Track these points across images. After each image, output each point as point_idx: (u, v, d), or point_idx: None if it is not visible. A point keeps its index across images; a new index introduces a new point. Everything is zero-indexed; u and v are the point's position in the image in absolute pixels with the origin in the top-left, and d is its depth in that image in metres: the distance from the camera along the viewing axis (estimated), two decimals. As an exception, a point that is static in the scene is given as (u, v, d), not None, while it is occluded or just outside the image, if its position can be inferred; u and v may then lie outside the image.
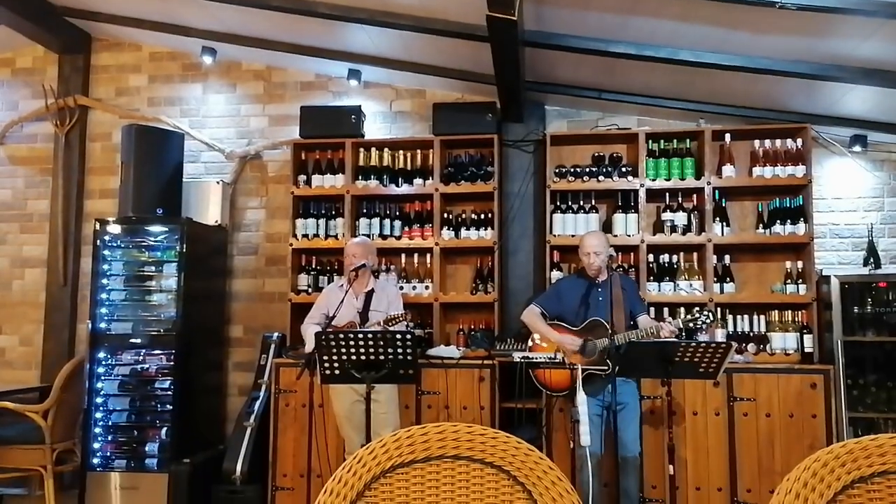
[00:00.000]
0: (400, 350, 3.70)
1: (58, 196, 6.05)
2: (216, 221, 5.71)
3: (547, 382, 4.48)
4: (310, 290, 5.50)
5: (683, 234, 5.19)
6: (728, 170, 5.20)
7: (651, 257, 5.26)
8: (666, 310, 5.11)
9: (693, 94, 5.22)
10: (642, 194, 5.23)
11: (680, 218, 5.21)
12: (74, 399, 5.30)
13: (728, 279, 5.17)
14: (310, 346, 4.28)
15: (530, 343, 4.63)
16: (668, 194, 5.27)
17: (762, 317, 5.11)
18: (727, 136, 5.22)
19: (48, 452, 5.13)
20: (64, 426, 5.29)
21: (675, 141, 5.31)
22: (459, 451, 1.37)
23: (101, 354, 5.22)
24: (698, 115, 5.36)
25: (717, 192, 5.19)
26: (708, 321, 4.10)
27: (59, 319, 5.99)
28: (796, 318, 5.01)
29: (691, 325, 4.14)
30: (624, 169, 5.29)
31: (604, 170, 5.30)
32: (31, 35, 5.85)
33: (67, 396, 5.25)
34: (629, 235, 5.21)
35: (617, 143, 5.49)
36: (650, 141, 5.31)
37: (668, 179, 5.24)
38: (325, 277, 5.58)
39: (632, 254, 5.25)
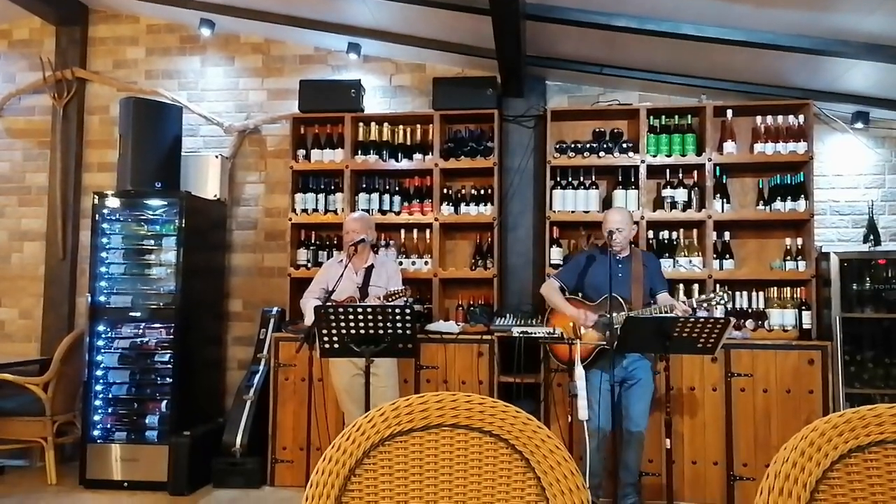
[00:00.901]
0: (399, 324, 3.71)
1: (56, 169, 6.02)
2: (215, 196, 5.69)
3: (561, 355, 4.45)
4: (309, 264, 5.50)
5: (684, 210, 5.18)
6: (729, 146, 5.18)
7: (651, 234, 5.25)
8: (681, 287, 5.09)
9: (695, 69, 5.18)
10: (643, 170, 5.21)
11: (680, 194, 5.20)
12: (74, 372, 5.32)
13: (728, 256, 5.17)
14: (309, 319, 4.29)
15: (548, 313, 4.61)
16: (668, 170, 5.25)
17: (761, 293, 5.12)
18: (729, 112, 5.19)
19: (48, 424, 5.16)
20: (64, 398, 5.32)
21: (676, 117, 5.28)
22: (458, 420, 1.37)
23: (101, 328, 5.22)
24: (700, 90, 5.33)
25: (717, 168, 5.17)
26: (722, 302, 4.09)
27: (59, 293, 5.99)
28: (795, 295, 5.02)
29: (705, 305, 4.12)
30: (625, 145, 5.27)
31: (604, 145, 5.28)
32: (27, 6, 5.80)
33: (67, 369, 5.28)
34: (630, 211, 5.18)
35: (618, 119, 5.46)
36: (651, 117, 5.28)
37: (668, 155, 5.22)
38: (325, 252, 5.58)
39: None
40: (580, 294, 4.53)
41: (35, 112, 6.20)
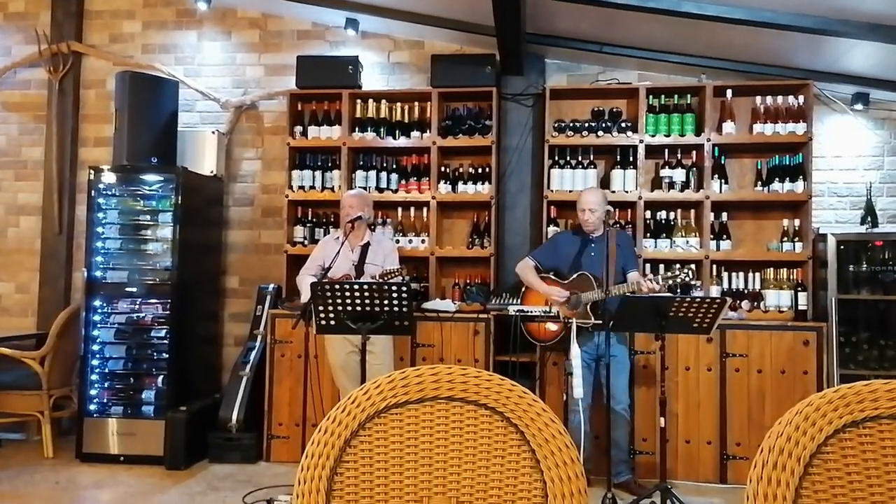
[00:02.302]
0: (395, 301, 3.71)
1: (52, 143, 5.99)
2: (212, 172, 5.67)
3: (535, 334, 4.59)
4: (305, 241, 5.49)
5: (682, 190, 5.17)
6: (728, 126, 5.16)
7: (648, 214, 5.25)
8: (662, 266, 5.11)
9: (695, 48, 5.15)
10: (641, 150, 5.20)
11: (679, 174, 5.19)
12: (71, 346, 5.33)
13: (725, 236, 5.17)
14: (305, 296, 4.29)
15: (522, 292, 4.71)
16: (667, 150, 5.24)
17: (757, 274, 5.12)
18: (728, 92, 5.17)
19: (45, 398, 5.18)
20: (60, 373, 5.33)
21: (675, 96, 5.26)
22: (454, 393, 1.38)
23: (97, 303, 5.22)
24: (700, 69, 5.30)
25: (716, 148, 5.16)
26: (687, 278, 4.13)
27: (55, 267, 5.98)
28: (791, 276, 5.03)
29: (670, 281, 4.16)
30: (623, 124, 5.25)
31: (603, 125, 5.25)
32: (22, -22, 5.74)
33: (63, 344, 5.28)
34: (627, 191, 5.19)
35: (617, 98, 5.43)
36: (651, 96, 5.26)
37: (667, 135, 5.20)
38: (321, 230, 5.56)
39: (629, 210, 5.23)
40: (556, 273, 4.64)
41: (31, 86, 6.15)
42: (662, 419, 3.91)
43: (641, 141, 5.19)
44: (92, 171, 5.27)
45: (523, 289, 4.74)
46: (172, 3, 6.06)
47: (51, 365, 5.19)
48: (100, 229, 5.26)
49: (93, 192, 5.25)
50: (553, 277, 4.62)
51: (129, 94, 5.30)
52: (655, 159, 5.32)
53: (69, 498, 4.43)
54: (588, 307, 4.37)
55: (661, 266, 5.10)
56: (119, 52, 6.09)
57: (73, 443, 5.15)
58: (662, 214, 5.26)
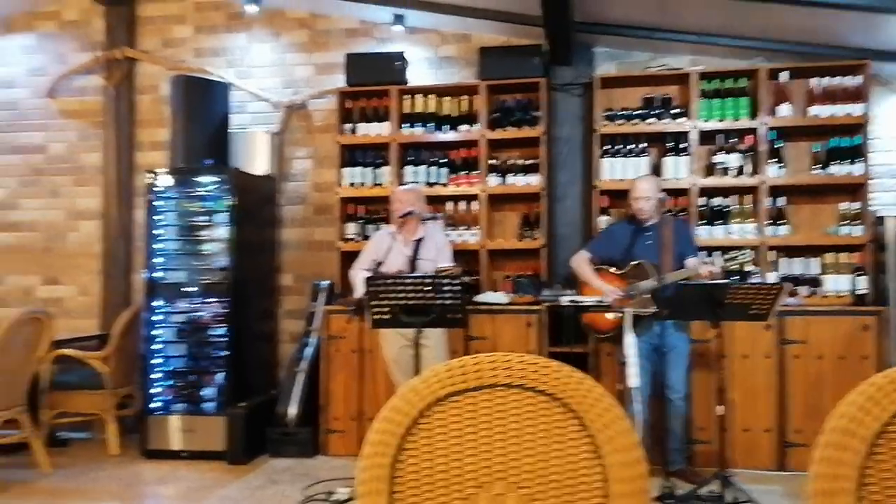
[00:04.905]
0: (448, 295, 3.72)
1: (109, 148, 6.15)
2: (264, 171, 5.76)
3: (593, 325, 4.53)
4: (357, 238, 5.54)
5: (736, 176, 5.07)
6: (784, 109, 5.03)
7: (702, 200, 5.15)
8: (718, 253, 5.00)
9: (748, 30, 5.03)
10: (694, 136, 5.10)
11: (733, 160, 5.08)
12: (132, 346, 5.48)
13: (782, 221, 5.04)
14: (359, 291, 4.32)
15: (578, 289, 4.67)
16: (720, 136, 5.14)
17: (816, 259, 5.00)
18: (783, 75, 5.04)
19: (109, 397, 5.33)
20: (123, 372, 5.48)
21: (728, 80, 5.14)
22: (511, 380, 1.37)
23: (157, 303, 5.35)
24: (753, 52, 5.17)
25: (772, 132, 5.03)
26: (746, 259, 4.06)
27: (116, 270, 6.15)
28: (850, 261, 4.89)
29: (729, 264, 4.09)
30: (675, 110, 5.17)
31: (654, 112, 5.18)
32: (76, -14, 5.91)
33: (126, 343, 5.43)
34: (680, 179, 5.11)
35: (668, 85, 5.34)
36: (703, 81, 5.16)
37: (721, 120, 5.10)
38: (372, 226, 5.60)
39: (683, 197, 5.14)
40: (611, 264, 4.56)
41: (87, 92, 6.33)
42: (721, 407, 3.85)
43: (694, 126, 5.10)
44: (149, 175, 5.41)
45: (580, 283, 4.68)
46: (222, 6, 6.17)
47: (114, 365, 5.34)
48: (158, 231, 5.39)
49: (150, 194, 5.38)
50: (609, 270, 4.54)
51: (183, 98, 5.42)
52: (709, 145, 5.21)
53: (135, 493, 4.57)
54: (647, 296, 4.30)
55: (717, 253, 5.00)
56: (172, 56, 6.23)
57: (136, 440, 5.30)
58: (717, 201, 5.15)
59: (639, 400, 3.99)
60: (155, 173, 5.39)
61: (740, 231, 5.02)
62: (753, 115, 5.06)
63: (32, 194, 6.38)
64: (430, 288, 3.70)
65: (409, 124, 5.52)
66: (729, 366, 4.66)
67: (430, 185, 5.47)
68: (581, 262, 4.63)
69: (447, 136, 5.48)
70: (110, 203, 6.14)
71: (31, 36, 6.43)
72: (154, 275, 5.35)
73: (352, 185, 5.58)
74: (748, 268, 4.82)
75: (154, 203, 5.38)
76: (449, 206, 5.48)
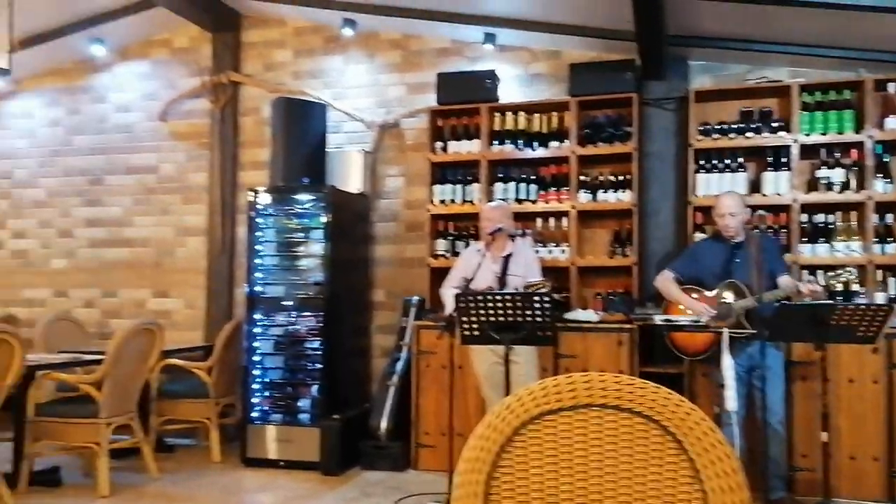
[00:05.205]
0: (538, 312, 3.72)
1: (215, 168, 6.47)
2: (358, 189, 5.92)
3: (683, 347, 4.39)
4: (447, 254, 5.61)
5: (841, 191, 4.86)
6: (891, 122, 4.81)
7: (804, 217, 4.96)
8: (820, 272, 4.80)
9: (851, 40, 4.83)
10: (795, 150, 4.93)
11: (837, 175, 4.88)
12: (234, 357, 5.71)
13: (890, 239, 4.79)
14: (449, 308, 4.37)
15: (665, 305, 4.55)
16: (823, 150, 4.94)
17: (930, 279, 4.72)
18: (890, 86, 4.81)
19: (212, 406, 5.57)
20: (226, 382, 5.72)
21: (831, 92, 4.95)
22: (607, 400, 1.37)
23: (257, 316, 5.56)
24: (857, 63, 4.96)
25: (878, 145, 4.81)
26: (850, 277, 3.87)
27: (219, 284, 6.44)
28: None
29: (833, 283, 3.91)
30: (775, 124, 5.01)
31: (752, 126, 5.04)
32: (186, 15, 6.24)
33: (228, 355, 5.67)
34: (780, 194, 4.94)
35: (767, 97, 5.18)
36: (804, 93, 4.98)
37: (823, 134, 4.91)
38: (462, 242, 5.65)
39: (783, 214, 4.97)
40: (698, 284, 4.42)
41: (195, 115, 6.67)
42: (825, 434, 3.68)
43: (795, 140, 4.93)
44: (250, 193, 5.65)
45: (665, 302, 4.58)
46: (320, 30, 6.40)
47: (217, 375, 5.58)
48: (258, 247, 5.61)
49: (251, 212, 5.61)
50: (697, 289, 4.42)
51: (283, 119, 5.64)
52: (811, 159, 5.02)
53: (236, 500, 4.75)
54: (741, 316, 4.18)
55: (820, 273, 4.79)
56: (272, 79, 6.49)
57: (237, 448, 5.50)
58: (820, 217, 4.95)
59: (736, 423, 3.87)
60: (256, 192, 5.63)
61: (845, 249, 4.80)
62: (859, 128, 4.85)
63: (144, 212, 6.76)
64: (519, 305, 3.71)
65: (499, 141, 5.56)
66: (834, 390, 4.45)
67: (520, 201, 5.49)
68: (667, 283, 4.51)
69: (537, 152, 5.49)
70: (215, 220, 6.44)
71: (145, 63, 6.84)
72: (254, 289, 5.57)
73: (442, 202, 5.66)
74: (854, 287, 4.62)
75: (255, 220, 5.61)
76: (538, 222, 5.48)
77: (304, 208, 5.62)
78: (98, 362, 4.72)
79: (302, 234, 5.61)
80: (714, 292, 4.32)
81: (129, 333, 4.72)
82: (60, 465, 4.98)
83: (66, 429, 4.62)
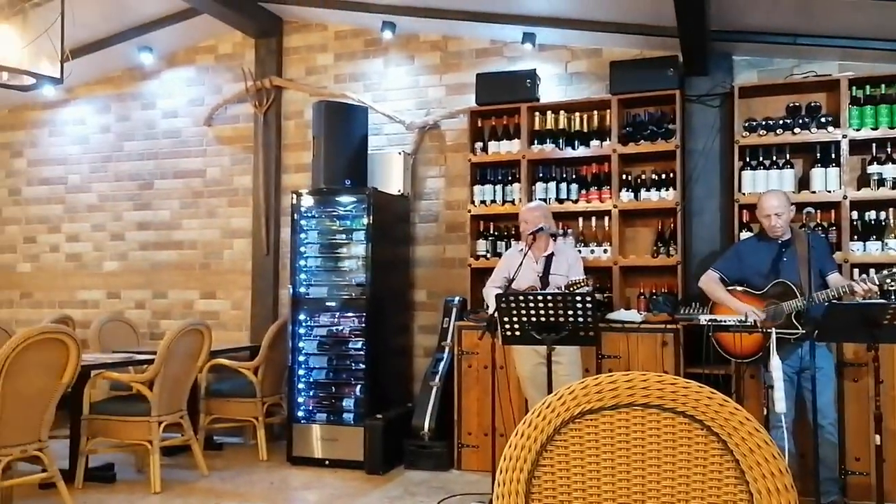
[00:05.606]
0: (580, 312, 3.71)
1: (259, 171, 6.57)
2: (399, 191, 5.96)
3: (731, 348, 4.30)
4: (488, 255, 5.61)
5: (893, 187, 4.73)
6: (946, 114, 4.66)
7: (855, 214, 4.84)
8: (872, 270, 4.65)
9: (904, 31, 4.70)
10: (845, 146, 4.82)
11: (889, 170, 4.76)
12: (279, 357, 5.80)
13: (947, 236, 4.65)
14: (491, 308, 4.38)
15: (710, 306, 4.47)
16: (875, 145, 4.82)
17: None
18: (945, 77, 4.67)
19: (259, 405, 5.66)
20: (271, 382, 5.81)
21: (882, 86, 4.82)
22: (649, 400, 1.37)
23: (302, 317, 5.64)
24: (910, 55, 4.83)
25: (933, 139, 4.67)
26: None
27: (264, 285, 6.54)
28: None
29: (888, 281, 3.80)
30: (823, 119, 4.90)
31: (800, 121, 4.93)
32: (230, 22, 6.37)
33: (274, 355, 5.76)
34: (830, 191, 4.83)
35: (814, 92, 5.07)
36: (854, 87, 4.86)
37: (874, 128, 4.79)
38: (503, 243, 5.66)
39: (832, 211, 4.86)
40: (744, 284, 4.34)
41: (239, 120, 6.79)
42: (878, 436, 3.58)
43: (845, 136, 4.81)
44: (294, 196, 5.73)
45: (710, 303, 4.50)
46: (360, 34, 6.46)
47: (263, 374, 5.68)
48: (302, 249, 5.68)
49: (295, 214, 5.69)
50: (741, 290, 4.34)
51: (325, 122, 5.71)
52: (861, 155, 4.90)
53: (283, 497, 4.83)
54: (791, 317, 4.09)
55: (871, 271, 4.66)
56: (314, 83, 6.57)
57: (283, 446, 5.58)
58: (871, 214, 4.83)
59: (785, 426, 3.80)
60: (299, 194, 5.71)
61: (899, 246, 4.67)
62: (911, 121, 4.72)
63: (192, 215, 6.91)
64: (560, 304, 3.70)
65: (539, 141, 5.55)
66: (887, 391, 4.32)
67: (561, 201, 5.46)
68: (712, 284, 4.43)
69: (578, 152, 5.46)
70: (259, 223, 6.55)
71: (191, 69, 6.99)
72: (299, 290, 5.64)
73: (482, 202, 5.66)
74: None
75: (298, 222, 5.69)
76: (580, 222, 5.45)
77: (346, 210, 5.68)
78: (149, 362, 4.85)
79: (344, 236, 5.67)
80: (761, 292, 4.24)
81: (179, 334, 4.84)
82: (114, 462, 5.12)
83: (119, 426, 4.76)
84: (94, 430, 4.78)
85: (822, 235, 4.67)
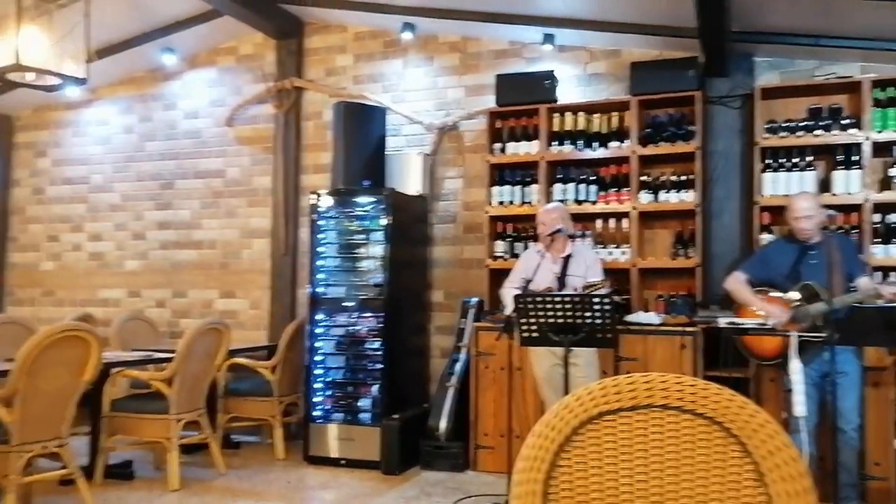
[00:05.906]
0: (598, 314, 3.69)
1: (278, 172, 6.61)
2: (417, 191, 5.97)
3: (754, 350, 4.27)
4: (506, 256, 5.61)
5: (917, 190, 4.68)
6: (972, 117, 4.60)
7: (877, 217, 4.78)
8: (894, 274, 4.63)
9: (928, 33, 4.64)
10: (867, 148, 4.77)
11: (913, 173, 4.70)
12: (297, 356, 5.83)
13: (971, 239, 4.59)
14: (509, 309, 4.37)
15: (735, 307, 4.44)
16: (897, 147, 4.77)
17: None
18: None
19: (276, 404, 5.69)
20: (289, 381, 5.84)
21: (905, 87, 4.77)
22: (668, 401, 1.36)
23: (319, 316, 5.66)
24: (935, 56, 4.77)
25: (958, 141, 4.61)
26: None
27: (283, 285, 6.57)
28: None
29: None
30: (845, 121, 4.85)
31: (821, 123, 4.89)
32: (251, 23, 6.41)
33: (291, 354, 5.79)
34: (851, 193, 4.78)
35: (836, 94, 5.03)
36: (876, 89, 4.81)
37: (897, 130, 4.73)
38: (521, 244, 5.65)
39: (854, 213, 4.81)
40: (770, 286, 4.29)
41: (259, 120, 6.84)
42: (899, 442, 3.54)
43: (867, 138, 4.76)
44: (313, 196, 5.76)
45: (735, 305, 4.46)
46: (380, 35, 6.48)
47: (281, 374, 5.71)
48: (320, 249, 5.71)
49: (313, 215, 5.72)
50: (768, 292, 4.29)
51: (344, 123, 5.74)
52: (884, 157, 4.85)
53: (300, 497, 4.85)
54: (817, 320, 4.04)
55: (893, 274, 4.62)
56: (334, 84, 6.60)
57: (300, 446, 5.61)
58: (893, 217, 4.77)
59: (805, 430, 3.75)
60: (318, 194, 5.74)
61: (922, 249, 4.61)
62: (936, 123, 4.66)
63: (212, 215, 6.96)
64: (578, 306, 3.69)
65: (558, 142, 5.53)
66: (910, 396, 4.28)
67: (579, 202, 5.45)
68: (738, 285, 4.38)
69: (597, 153, 5.45)
70: (278, 223, 6.59)
71: (212, 70, 7.05)
72: (316, 290, 5.67)
73: (501, 203, 5.66)
74: None
75: (317, 222, 5.71)
76: (598, 223, 5.43)
77: (365, 210, 5.69)
78: (169, 360, 4.89)
79: (362, 236, 5.68)
80: (787, 295, 4.19)
81: (198, 333, 4.88)
82: (133, 460, 5.16)
83: (138, 424, 4.81)
84: (113, 428, 4.83)
85: (851, 238, 4.60)
